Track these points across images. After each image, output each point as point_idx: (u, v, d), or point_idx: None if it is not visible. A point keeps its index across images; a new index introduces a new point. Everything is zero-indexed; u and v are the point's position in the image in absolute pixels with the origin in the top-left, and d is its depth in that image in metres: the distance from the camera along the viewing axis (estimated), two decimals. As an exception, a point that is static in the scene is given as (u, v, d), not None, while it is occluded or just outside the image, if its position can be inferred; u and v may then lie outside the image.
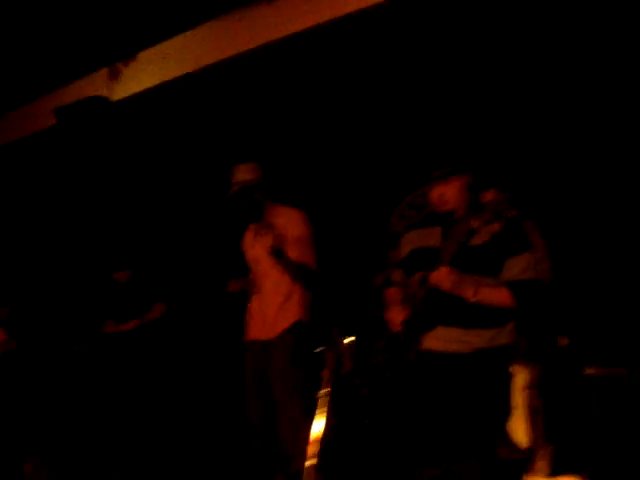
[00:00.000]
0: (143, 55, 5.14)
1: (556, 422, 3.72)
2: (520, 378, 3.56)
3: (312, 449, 2.33)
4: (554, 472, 3.63)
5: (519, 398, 3.51)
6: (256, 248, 3.86)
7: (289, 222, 3.80)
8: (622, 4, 3.55)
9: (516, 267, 2.67)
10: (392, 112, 4.55)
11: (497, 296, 2.66)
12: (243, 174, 3.85)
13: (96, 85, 5.47)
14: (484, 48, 4.07)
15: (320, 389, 2.60)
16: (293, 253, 3.73)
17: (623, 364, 3.68)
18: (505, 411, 3.08)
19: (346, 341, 4.37)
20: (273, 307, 3.81)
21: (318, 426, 2.35)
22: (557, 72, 3.97)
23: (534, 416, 3.63)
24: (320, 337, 3.78)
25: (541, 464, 3.68)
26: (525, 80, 4.06)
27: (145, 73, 5.15)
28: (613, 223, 3.96)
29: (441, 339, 2.74)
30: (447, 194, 2.78)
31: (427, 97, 4.34)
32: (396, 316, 2.86)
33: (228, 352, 4.56)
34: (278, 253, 3.65)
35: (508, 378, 2.95)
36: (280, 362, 3.74)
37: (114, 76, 5.31)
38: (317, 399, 2.57)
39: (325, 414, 2.41)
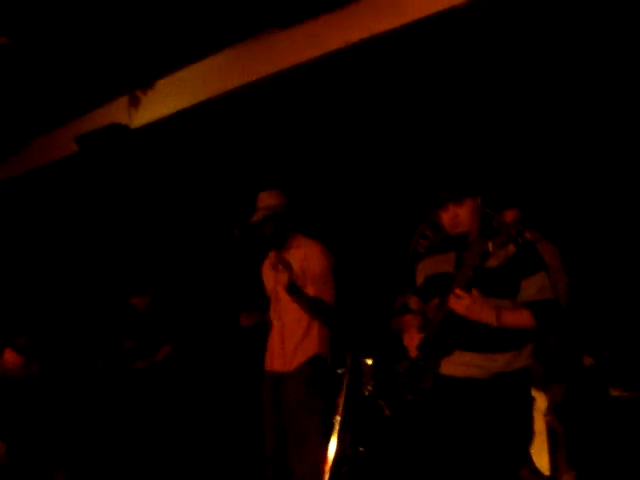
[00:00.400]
0: (161, 83, 5.21)
1: (580, 445, 3.67)
2: (540, 402, 3.52)
3: (326, 474, 2.33)
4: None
5: (540, 423, 3.48)
6: (274, 280, 3.81)
7: (310, 255, 3.75)
8: (623, 5, 3.54)
9: (533, 287, 2.65)
10: (405, 135, 4.57)
11: (519, 318, 2.64)
12: (270, 200, 3.79)
13: (116, 113, 5.55)
14: (492, 67, 4.08)
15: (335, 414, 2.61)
16: (312, 288, 3.69)
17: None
18: (528, 435, 3.04)
19: (367, 362, 4.39)
20: (292, 341, 3.76)
21: (332, 450, 2.35)
22: (568, 91, 3.96)
23: (556, 440, 3.58)
24: (339, 361, 3.79)
25: (566, 488, 3.63)
26: (536, 99, 4.06)
27: (163, 101, 5.22)
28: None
29: (459, 364, 2.72)
30: (460, 216, 2.77)
31: (439, 118, 4.36)
32: (412, 341, 2.84)
33: (247, 381, 4.57)
34: (294, 289, 3.58)
35: (530, 401, 2.91)
36: (296, 392, 3.70)
37: (134, 104, 5.39)
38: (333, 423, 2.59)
39: (337, 438, 2.42)
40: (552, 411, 3.63)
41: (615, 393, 3.79)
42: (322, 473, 2.48)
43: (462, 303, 2.57)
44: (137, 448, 4.85)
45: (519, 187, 4.10)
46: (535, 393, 3.21)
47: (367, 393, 4.42)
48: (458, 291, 2.58)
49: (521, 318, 2.64)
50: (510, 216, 3.70)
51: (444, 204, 2.79)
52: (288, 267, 3.55)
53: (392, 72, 4.25)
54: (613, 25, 3.63)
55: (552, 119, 4.11)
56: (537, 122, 4.15)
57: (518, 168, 4.19)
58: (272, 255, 3.83)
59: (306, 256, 3.75)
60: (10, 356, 3.61)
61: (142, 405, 5.01)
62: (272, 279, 3.84)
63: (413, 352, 2.84)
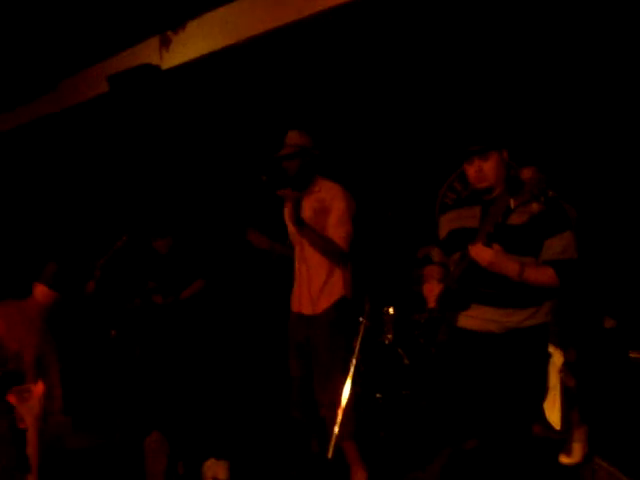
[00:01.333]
0: (192, 24, 5.17)
1: (594, 403, 3.69)
2: (556, 359, 3.53)
3: (339, 416, 2.39)
4: (590, 453, 3.62)
5: (555, 379, 3.49)
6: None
7: (329, 197, 3.76)
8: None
9: (557, 246, 2.63)
10: (432, 86, 4.50)
11: (542, 275, 2.63)
12: (299, 138, 3.81)
13: (147, 53, 5.53)
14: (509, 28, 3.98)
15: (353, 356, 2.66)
16: (329, 227, 3.71)
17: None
18: (542, 390, 3.06)
19: (389, 311, 4.43)
20: (317, 284, 3.80)
21: (346, 391, 2.40)
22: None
23: (570, 397, 3.60)
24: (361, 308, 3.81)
25: (577, 445, 3.67)
26: (559, 59, 3.96)
27: (194, 42, 5.18)
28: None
29: (475, 317, 2.74)
30: (485, 169, 2.74)
31: (463, 72, 4.28)
32: (432, 292, 2.86)
33: (271, 320, 4.64)
34: (299, 222, 3.58)
35: (545, 357, 2.93)
36: (322, 335, 3.77)
37: (165, 45, 5.36)
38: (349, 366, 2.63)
39: (351, 380, 2.47)
40: (566, 367, 3.64)
41: (635, 355, 3.79)
42: (336, 414, 2.55)
43: (484, 255, 2.58)
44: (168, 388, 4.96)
45: (541, 145, 4.03)
46: (552, 349, 3.23)
47: (387, 342, 4.46)
48: (480, 244, 2.58)
49: (544, 275, 2.63)
50: (527, 174, 3.66)
51: (470, 157, 2.77)
52: (296, 201, 3.57)
53: (419, 23, 4.17)
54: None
55: (576, 76, 4.01)
56: (562, 80, 4.06)
57: (541, 126, 4.12)
58: (287, 195, 3.81)
59: (325, 198, 3.76)
60: (40, 290, 3.63)
61: (171, 342, 5.12)
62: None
63: (432, 303, 2.86)
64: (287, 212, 3.80)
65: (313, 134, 3.87)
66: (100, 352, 5.39)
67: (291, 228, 3.92)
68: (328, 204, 3.74)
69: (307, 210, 3.74)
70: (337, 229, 3.69)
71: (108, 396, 5.00)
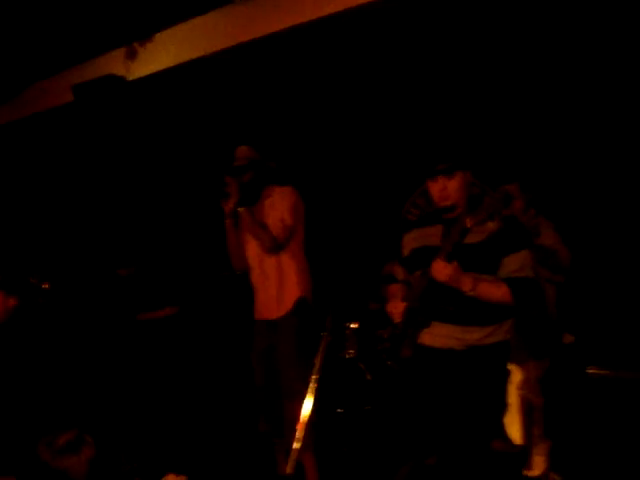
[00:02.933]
0: (159, 36, 5.17)
1: (556, 419, 3.75)
2: (515, 376, 3.58)
3: (300, 432, 2.39)
4: (552, 468, 3.67)
5: (514, 395, 3.54)
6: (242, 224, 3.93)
7: (280, 195, 3.88)
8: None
9: (514, 264, 2.67)
10: (402, 105, 4.56)
11: (495, 291, 2.67)
12: (250, 151, 3.94)
13: (113, 64, 5.50)
14: (488, 44, 4.06)
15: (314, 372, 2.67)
16: (269, 217, 3.83)
17: (626, 366, 3.69)
18: (501, 406, 3.10)
19: (352, 326, 4.45)
20: (273, 286, 3.87)
21: (306, 409, 2.41)
22: (560, 67, 3.95)
23: (531, 412, 3.65)
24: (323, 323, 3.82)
25: (538, 459, 3.72)
26: (529, 74, 4.05)
27: (161, 54, 5.17)
28: (625, 222, 3.95)
29: (437, 335, 2.77)
30: (449, 188, 2.78)
31: (434, 91, 4.35)
32: (396, 309, 2.89)
33: (235, 332, 4.63)
34: (240, 203, 3.75)
35: (505, 375, 2.97)
36: (286, 343, 3.80)
37: (131, 56, 5.34)
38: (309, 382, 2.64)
39: (313, 398, 2.47)
40: (530, 384, 3.69)
41: (592, 371, 3.86)
42: (296, 430, 2.56)
43: (443, 271, 2.61)
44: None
45: (516, 162, 4.11)
46: (511, 366, 3.27)
47: (348, 356, 4.48)
48: (439, 261, 2.61)
49: (498, 291, 2.66)
50: (509, 190, 3.72)
51: (434, 175, 2.81)
52: (239, 185, 3.74)
53: (389, 38, 4.23)
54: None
55: (547, 94, 4.10)
56: (533, 96, 4.15)
57: (515, 144, 4.20)
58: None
59: (274, 199, 3.87)
60: None
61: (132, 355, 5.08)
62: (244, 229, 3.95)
63: (396, 318, 2.89)
64: (232, 197, 3.84)
65: (276, 147, 3.95)
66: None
67: (244, 235, 3.97)
68: (273, 202, 3.86)
69: (259, 214, 3.82)
70: (275, 219, 3.79)
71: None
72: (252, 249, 3.95)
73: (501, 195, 2.57)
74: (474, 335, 2.71)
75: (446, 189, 2.78)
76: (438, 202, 2.83)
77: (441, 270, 2.61)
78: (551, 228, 3.84)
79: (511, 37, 3.98)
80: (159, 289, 5.25)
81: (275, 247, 3.79)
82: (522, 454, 3.72)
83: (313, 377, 2.66)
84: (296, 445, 2.50)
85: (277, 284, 3.85)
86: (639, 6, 3.44)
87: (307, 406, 2.51)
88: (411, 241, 2.99)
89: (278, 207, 3.82)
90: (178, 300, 5.29)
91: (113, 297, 5.27)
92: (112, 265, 5.32)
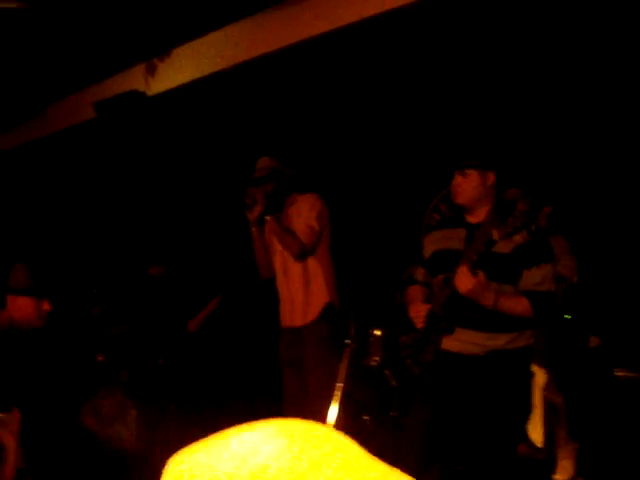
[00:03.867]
0: (178, 52, 5.23)
1: (584, 422, 3.71)
2: (539, 378, 3.57)
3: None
4: (579, 472, 3.64)
5: (538, 398, 3.53)
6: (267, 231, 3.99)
7: (303, 203, 3.93)
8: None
9: (535, 277, 2.68)
10: (425, 109, 4.57)
11: (517, 305, 2.68)
12: (270, 161, 3.98)
13: (134, 80, 5.57)
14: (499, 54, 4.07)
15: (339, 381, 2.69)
16: (294, 223, 3.87)
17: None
18: (525, 411, 3.09)
19: (375, 333, 4.44)
20: (300, 293, 3.88)
21: (331, 416, 2.42)
22: (563, 71, 3.95)
23: (555, 414, 3.63)
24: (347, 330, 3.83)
25: (565, 463, 3.68)
26: (533, 80, 4.05)
27: (179, 69, 5.24)
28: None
29: (460, 341, 2.77)
30: (463, 186, 2.79)
31: (453, 95, 4.36)
32: (418, 313, 2.89)
33: (263, 339, 4.66)
34: (265, 212, 3.80)
35: (527, 378, 2.96)
36: (312, 353, 3.80)
37: (151, 71, 5.41)
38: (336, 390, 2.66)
39: (338, 405, 2.49)
40: (552, 385, 3.67)
41: (620, 373, 3.83)
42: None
43: (466, 283, 2.61)
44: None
45: (529, 169, 4.10)
46: (535, 368, 3.26)
47: (374, 364, 4.47)
48: (464, 270, 2.61)
49: (519, 305, 2.67)
50: (510, 195, 3.71)
51: (453, 173, 2.84)
52: (264, 193, 3.79)
53: (405, 47, 4.25)
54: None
55: (563, 102, 4.09)
56: (549, 105, 4.14)
57: (529, 150, 4.19)
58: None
59: (299, 206, 3.93)
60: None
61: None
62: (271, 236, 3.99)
63: (419, 324, 2.89)
64: (258, 207, 3.88)
65: (299, 157, 3.99)
66: (86, 376, 5.36)
67: (270, 242, 3.99)
68: (299, 209, 3.91)
69: (285, 222, 3.86)
70: (300, 224, 3.83)
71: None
72: (278, 256, 3.98)
73: (531, 208, 2.56)
74: (498, 342, 2.72)
75: (460, 186, 2.79)
76: (452, 199, 2.86)
77: (465, 281, 2.61)
78: (559, 242, 3.79)
79: (518, 49, 3.99)
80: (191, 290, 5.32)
81: (303, 253, 3.81)
82: (549, 459, 3.69)
83: (338, 385, 2.68)
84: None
85: (303, 291, 3.86)
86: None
87: (332, 414, 2.52)
88: (432, 243, 3.00)
89: (304, 214, 3.85)
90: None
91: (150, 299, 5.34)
92: (144, 266, 5.37)
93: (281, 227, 3.82)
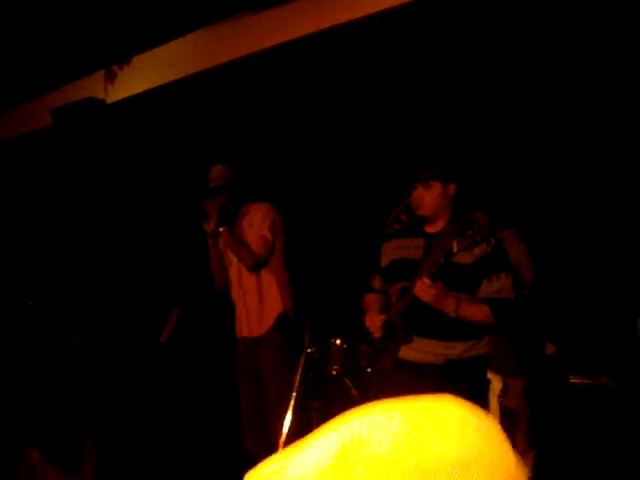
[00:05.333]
0: (138, 59, 5.19)
1: (541, 430, 3.76)
2: (495, 384, 3.61)
3: (280, 446, 2.41)
4: (537, 477, 3.67)
5: (494, 404, 3.56)
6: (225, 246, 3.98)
7: (255, 212, 3.94)
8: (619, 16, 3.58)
9: (495, 285, 2.71)
10: (386, 118, 4.60)
11: (477, 312, 2.71)
12: (226, 171, 3.98)
13: (92, 87, 5.51)
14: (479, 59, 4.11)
15: (292, 391, 2.68)
16: (249, 234, 3.88)
17: (609, 374, 3.71)
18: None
19: (336, 342, 4.45)
20: (254, 303, 3.90)
21: (287, 425, 2.42)
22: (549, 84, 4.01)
23: (511, 421, 3.67)
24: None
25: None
26: (517, 92, 4.10)
27: (139, 77, 5.19)
28: (605, 231, 3.99)
29: (418, 350, 2.79)
30: (425, 197, 2.82)
31: (422, 105, 4.40)
32: (374, 323, 2.90)
33: (218, 351, 4.63)
34: (219, 223, 3.79)
35: (484, 386, 2.99)
36: (270, 359, 3.82)
37: (110, 79, 5.35)
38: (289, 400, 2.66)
39: (291, 415, 2.49)
40: (512, 393, 3.71)
41: (575, 380, 3.88)
42: (277, 447, 2.57)
43: (427, 292, 2.63)
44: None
45: (485, 178, 4.15)
46: (491, 375, 3.30)
47: (334, 372, 4.48)
48: (426, 280, 2.63)
49: (479, 312, 2.70)
50: (476, 216, 3.75)
51: (414, 184, 2.85)
52: (219, 204, 3.79)
53: (364, 58, 4.29)
54: (600, 19, 3.67)
55: (531, 115, 4.16)
56: (518, 119, 4.20)
57: (487, 160, 4.24)
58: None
59: (251, 216, 3.94)
60: None
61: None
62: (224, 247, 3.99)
63: (375, 334, 2.90)
64: (213, 218, 3.89)
65: (252, 165, 3.99)
66: (41, 388, 5.27)
67: (224, 253, 3.99)
68: (251, 219, 3.93)
69: (239, 232, 3.85)
70: (254, 235, 3.85)
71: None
72: (232, 267, 3.98)
73: (491, 223, 2.60)
74: (455, 350, 2.74)
75: (422, 197, 2.81)
76: (414, 210, 2.87)
77: (426, 290, 2.62)
78: (518, 243, 3.83)
79: (507, 58, 4.04)
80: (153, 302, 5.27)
81: (257, 264, 3.83)
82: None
83: (293, 394, 2.67)
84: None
85: (257, 300, 3.88)
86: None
87: (287, 423, 2.52)
88: (390, 251, 3.02)
89: (257, 224, 3.86)
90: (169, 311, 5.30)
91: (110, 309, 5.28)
92: (107, 277, 5.32)
93: (235, 239, 3.82)
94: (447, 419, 0.54)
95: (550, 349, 4.02)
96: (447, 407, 0.56)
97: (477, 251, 2.62)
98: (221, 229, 3.81)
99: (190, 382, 5.28)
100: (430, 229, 2.87)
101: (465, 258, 2.68)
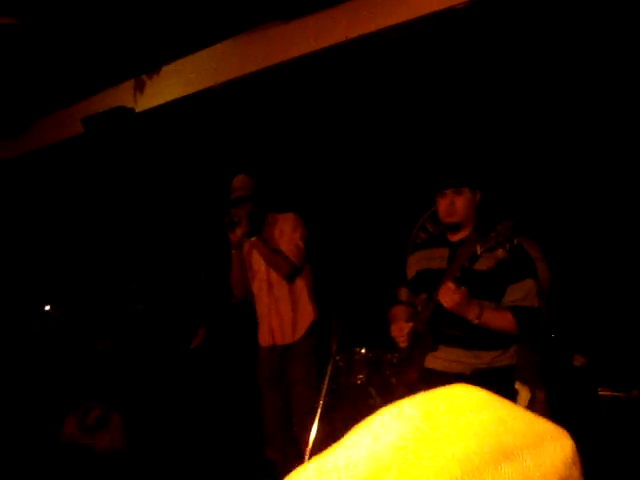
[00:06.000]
0: (167, 69, 5.25)
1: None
2: (523, 396, 3.57)
3: (307, 454, 2.42)
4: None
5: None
6: (255, 254, 4.00)
7: (284, 223, 3.98)
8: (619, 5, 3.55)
9: (519, 293, 2.69)
10: (409, 127, 4.60)
11: (501, 320, 2.68)
12: (250, 181, 4.01)
13: (122, 96, 5.58)
14: (490, 67, 4.11)
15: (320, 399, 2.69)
16: (281, 245, 3.92)
17: (639, 386, 3.66)
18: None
19: (360, 351, 4.44)
20: (287, 311, 3.93)
21: (313, 433, 2.43)
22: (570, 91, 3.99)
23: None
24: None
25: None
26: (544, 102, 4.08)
27: (168, 86, 5.26)
28: (637, 242, 3.95)
29: (444, 359, 2.77)
30: (456, 204, 2.80)
31: (440, 114, 4.40)
32: (400, 332, 2.89)
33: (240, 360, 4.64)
34: (251, 233, 3.83)
35: (512, 396, 2.96)
36: (301, 366, 3.85)
37: (139, 88, 5.42)
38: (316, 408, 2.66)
39: (318, 421, 2.50)
40: (538, 404, 3.67)
41: (604, 393, 3.83)
42: (303, 456, 2.58)
43: (451, 297, 2.62)
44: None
45: (512, 187, 4.13)
46: (518, 386, 3.27)
47: (358, 382, 4.47)
48: (450, 285, 2.62)
49: (503, 320, 2.68)
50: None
51: (443, 191, 2.83)
52: (247, 214, 3.82)
53: (391, 67, 4.30)
54: (609, 26, 3.65)
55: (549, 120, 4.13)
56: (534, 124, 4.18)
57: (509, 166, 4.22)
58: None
59: (279, 227, 3.97)
60: None
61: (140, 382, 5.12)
62: (255, 256, 4.01)
63: (402, 343, 2.89)
64: (241, 227, 3.89)
65: (287, 175, 4.02)
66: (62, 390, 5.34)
67: (255, 264, 4.00)
68: (280, 230, 3.96)
69: (270, 241, 3.89)
70: (287, 244, 3.89)
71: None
72: (260, 276, 3.98)
73: (512, 223, 2.58)
74: (482, 359, 2.72)
75: (453, 204, 2.79)
76: (444, 218, 2.84)
77: (450, 295, 2.61)
78: (535, 248, 3.79)
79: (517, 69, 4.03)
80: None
81: (293, 272, 3.87)
82: None
83: (320, 402, 2.67)
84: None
85: (291, 309, 3.91)
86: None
87: (313, 430, 2.52)
88: (415, 263, 3.01)
89: (288, 234, 3.90)
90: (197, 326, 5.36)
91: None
92: (123, 284, 5.40)
93: (268, 248, 3.85)
94: (471, 405, 0.54)
95: (579, 361, 3.97)
96: (465, 393, 0.56)
97: (499, 253, 2.60)
98: (253, 239, 3.84)
99: (217, 391, 5.31)
100: (454, 238, 2.86)
101: (487, 263, 2.66)
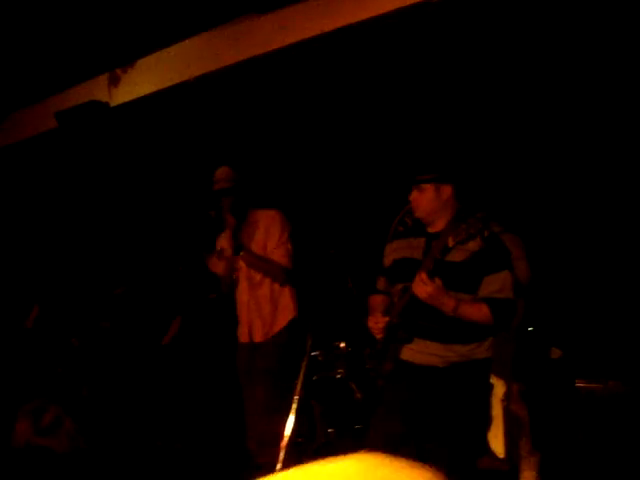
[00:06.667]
0: (141, 62, 5.20)
1: (546, 433, 3.74)
2: (498, 389, 3.58)
3: (282, 452, 2.42)
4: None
5: (497, 408, 3.54)
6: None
7: (269, 222, 3.97)
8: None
9: (495, 284, 2.69)
10: (388, 120, 4.60)
11: (477, 312, 2.69)
12: (233, 173, 4.01)
13: (96, 90, 5.52)
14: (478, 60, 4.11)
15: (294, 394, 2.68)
16: (270, 249, 3.91)
17: (615, 378, 3.69)
18: (485, 423, 3.10)
19: (340, 345, 4.44)
20: (268, 309, 3.96)
21: (289, 427, 2.42)
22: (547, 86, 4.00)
23: (516, 425, 3.65)
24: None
25: (528, 474, 3.69)
26: (514, 93, 4.10)
27: (143, 80, 5.21)
28: (612, 236, 3.98)
29: (418, 352, 2.77)
30: (418, 200, 2.81)
31: (425, 106, 4.40)
32: (376, 324, 2.89)
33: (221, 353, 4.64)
34: (238, 247, 3.83)
35: (487, 390, 2.97)
36: (270, 358, 3.87)
37: (113, 82, 5.37)
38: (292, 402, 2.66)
39: (293, 418, 2.50)
40: (515, 396, 3.69)
41: (581, 385, 3.86)
42: (278, 449, 2.57)
43: (425, 289, 2.62)
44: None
45: (489, 180, 4.14)
46: (494, 379, 3.28)
47: (338, 376, 4.47)
48: (423, 277, 2.62)
49: (479, 312, 2.69)
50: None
51: (412, 187, 2.85)
52: (235, 227, 3.83)
53: (367, 60, 4.29)
54: (600, 20, 3.66)
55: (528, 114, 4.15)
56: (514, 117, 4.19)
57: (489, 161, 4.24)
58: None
59: (263, 224, 3.96)
60: None
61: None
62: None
63: (377, 334, 2.89)
64: (226, 239, 3.91)
65: (265, 168, 4.00)
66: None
67: (233, 260, 4.00)
68: (266, 229, 3.93)
69: (246, 240, 3.86)
70: (278, 249, 3.89)
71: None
72: (241, 274, 3.99)
73: (483, 215, 2.59)
74: (456, 352, 2.72)
75: (416, 200, 2.81)
76: (413, 213, 2.87)
77: (423, 287, 2.62)
78: (518, 243, 3.78)
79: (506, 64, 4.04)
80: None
81: (287, 276, 3.86)
82: (512, 470, 3.70)
83: (295, 397, 2.67)
84: (279, 466, 2.51)
85: (272, 307, 3.93)
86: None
87: (289, 426, 2.51)
88: (393, 251, 3.01)
89: (277, 235, 3.89)
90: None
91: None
92: (107, 285, 5.36)
93: (258, 259, 3.86)
94: None
95: (556, 353, 4.00)
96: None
97: (472, 245, 2.61)
98: (241, 253, 3.83)
99: (194, 384, 5.29)
100: (431, 229, 2.87)
101: (460, 255, 2.67)
